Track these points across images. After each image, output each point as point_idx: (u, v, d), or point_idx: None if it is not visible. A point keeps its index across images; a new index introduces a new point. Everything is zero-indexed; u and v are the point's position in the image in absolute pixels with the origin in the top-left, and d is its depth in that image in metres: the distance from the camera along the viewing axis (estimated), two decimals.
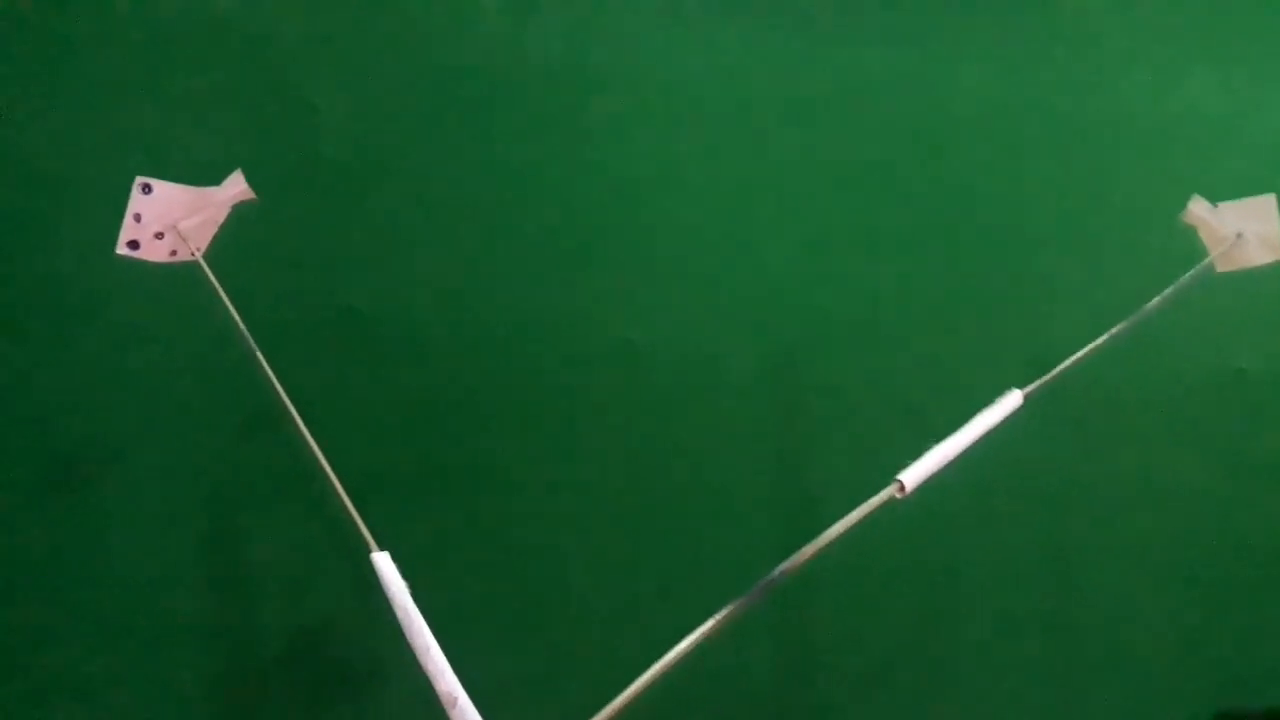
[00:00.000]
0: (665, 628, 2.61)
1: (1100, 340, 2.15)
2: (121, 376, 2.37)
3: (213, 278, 1.96)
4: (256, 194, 2.42)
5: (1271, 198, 2.21)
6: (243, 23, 2.45)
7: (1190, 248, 2.36)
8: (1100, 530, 2.78)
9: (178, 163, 2.41)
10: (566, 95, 2.60)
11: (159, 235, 2.01)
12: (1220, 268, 2.24)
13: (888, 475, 2.72)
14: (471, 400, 2.57)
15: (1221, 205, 2.24)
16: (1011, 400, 2.08)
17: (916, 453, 2.72)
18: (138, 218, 1.99)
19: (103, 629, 2.34)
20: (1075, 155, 2.79)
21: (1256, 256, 2.23)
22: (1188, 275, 2.19)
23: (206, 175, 2.43)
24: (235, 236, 2.40)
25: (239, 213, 2.34)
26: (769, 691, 2.65)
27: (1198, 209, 2.27)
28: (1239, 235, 2.22)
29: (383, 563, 1.85)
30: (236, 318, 1.92)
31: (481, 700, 1.74)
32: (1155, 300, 2.16)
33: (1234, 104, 2.84)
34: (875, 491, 2.73)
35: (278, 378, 1.92)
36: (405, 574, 2.50)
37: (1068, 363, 2.13)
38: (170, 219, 2.00)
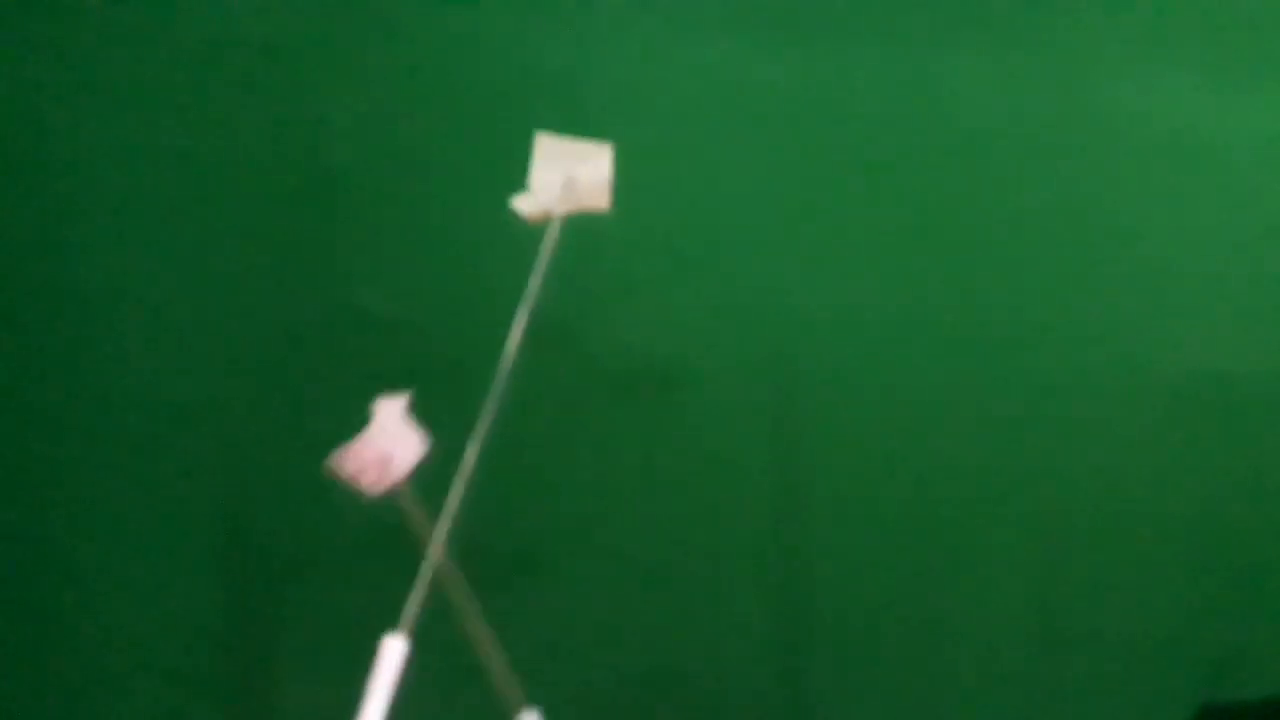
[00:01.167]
0: (658, 623, 2.64)
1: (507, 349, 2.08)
2: None
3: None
4: (265, 198, 2.47)
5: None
6: (252, 30, 2.47)
7: None
8: (1089, 526, 2.80)
9: (187, 171, 2.43)
10: (567, 99, 2.62)
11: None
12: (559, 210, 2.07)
13: (885, 475, 2.76)
14: (472, 400, 2.58)
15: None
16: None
17: (914, 453, 2.76)
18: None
19: None
20: (1068, 159, 2.80)
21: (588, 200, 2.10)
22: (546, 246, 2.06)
23: (212, 179, 2.47)
24: (241, 238, 2.45)
25: (253, 219, 2.40)
26: (761, 687, 2.68)
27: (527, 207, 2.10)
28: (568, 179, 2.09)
29: None
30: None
31: None
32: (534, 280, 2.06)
33: (1220, 109, 2.87)
34: (871, 490, 2.77)
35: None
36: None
37: None
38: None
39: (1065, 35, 2.81)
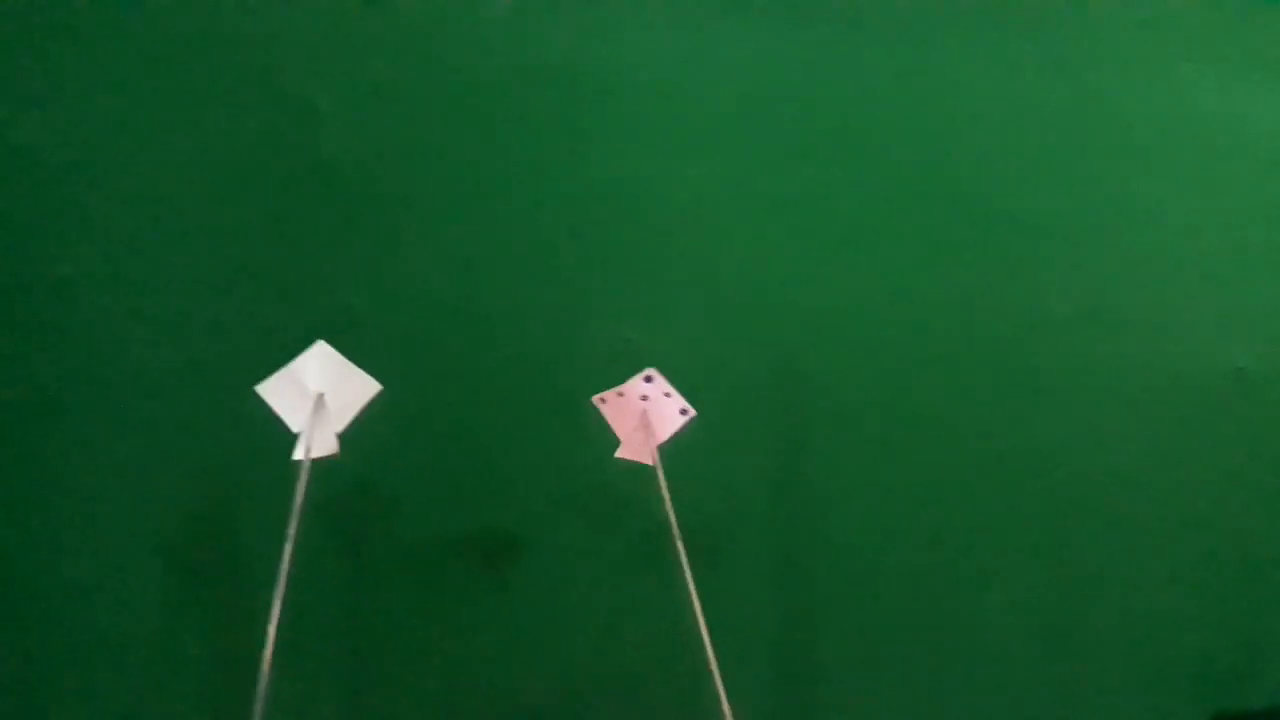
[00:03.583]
0: (660, 627, 2.63)
1: None
2: None
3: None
4: (257, 193, 2.45)
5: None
6: (244, 22, 2.45)
7: None
8: (1100, 529, 2.78)
9: (180, 163, 2.42)
10: (567, 95, 2.59)
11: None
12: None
13: (889, 476, 2.74)
14: (471, 400, 2.57)
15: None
16: None
17: (918, 453, 2.73)
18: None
19: None
20: (1075, 156, 2.78)
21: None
22: None
23: (207, 175, 2.45)
24: (228, 234, 2.44)
25: (241, 212, 2.39)
26: (767, 688, 2.65)
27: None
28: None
29: None
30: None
31: None
32: None
33: (1233, 104, 2.84)
34: (876, 491, 2.75)
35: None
36: (394, 573, 2.52)
37: None
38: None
39: (1077, 28, 2.79)
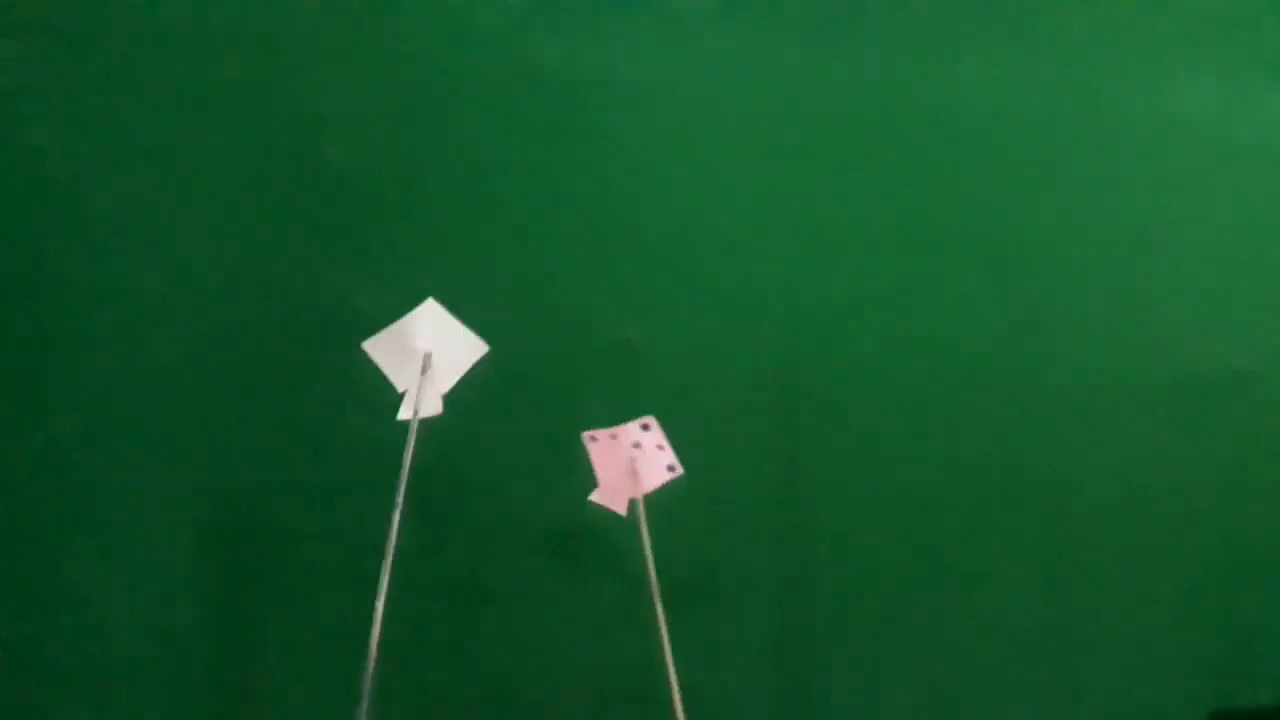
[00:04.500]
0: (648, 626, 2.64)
1: None
2: None
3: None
4: (260, 196, 2.47)
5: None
6: (248, 28, 2.47)
7: None
8: (1098, 529, 2.78)
9: (182, 168, 2.44)
10: (568, 99, 2.60)
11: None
12: None
13: (888, 475, 2.74)
14: (471, 401, 2.58)
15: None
16: None
17: (916, 452, 2.74)
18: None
19: None
20: (1075, 158, 2.79)
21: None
22: None
23: (213, 180, 2.47)
24: (236, 238, 2.45)
25: (247, 216, 2.40)
26: (766, 694, 2.66)
27: None
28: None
29: None
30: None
31: None
32: None
33: (1232, 105, 2.84)
34: (876, 490, 2.75)
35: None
36: (401, 570, 2.53)
37: None
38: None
39: (1076, 33, 2.79)
